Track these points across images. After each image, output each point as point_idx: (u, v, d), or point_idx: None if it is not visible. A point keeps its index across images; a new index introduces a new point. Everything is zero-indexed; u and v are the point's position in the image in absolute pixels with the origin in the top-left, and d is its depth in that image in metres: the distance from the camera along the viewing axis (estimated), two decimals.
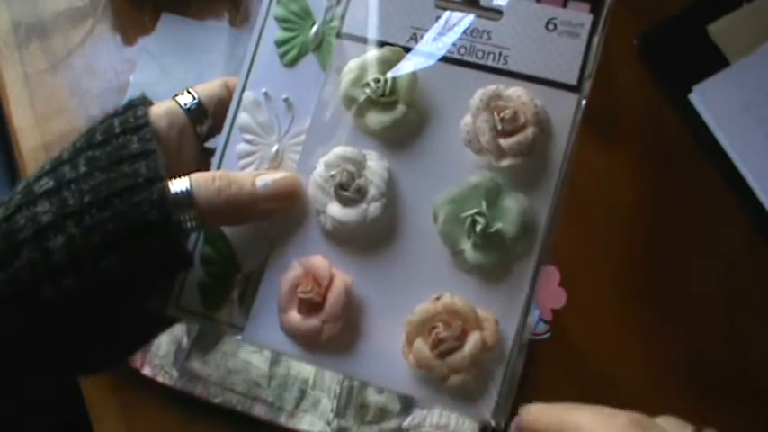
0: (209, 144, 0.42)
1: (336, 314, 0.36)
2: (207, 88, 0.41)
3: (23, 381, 0.36)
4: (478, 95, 0.37)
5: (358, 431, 0.60)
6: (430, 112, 0.38)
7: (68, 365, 0.37)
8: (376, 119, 0.38)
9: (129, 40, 0.75)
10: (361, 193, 0.37)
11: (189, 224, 0.35)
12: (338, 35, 0.39)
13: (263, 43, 0.41)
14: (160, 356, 0.62)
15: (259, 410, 0.61)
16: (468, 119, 0.37)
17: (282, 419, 0.61)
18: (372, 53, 0.38)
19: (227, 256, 0.40)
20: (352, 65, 0.38)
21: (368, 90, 0.37)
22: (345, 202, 0.37)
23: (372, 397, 0.61)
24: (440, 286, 0.37)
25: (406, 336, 0.36)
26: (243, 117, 0.41)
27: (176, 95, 0.40)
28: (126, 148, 0.35)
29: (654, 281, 0.65)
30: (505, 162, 0.36)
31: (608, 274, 0.65)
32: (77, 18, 0.76)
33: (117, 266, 0.33)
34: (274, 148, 0.40)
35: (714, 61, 0.68)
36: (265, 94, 0.41)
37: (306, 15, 0.40)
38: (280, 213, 0.38)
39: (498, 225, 0.36)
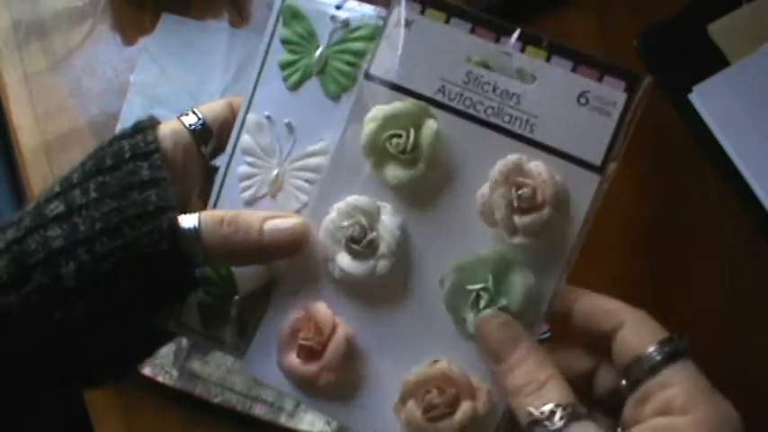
0: (216, 161, 0.42)
1: (334, 365, 0.37)
2: (211, 108, 0.41)
3: (30, 395, 0.36)
4: (498, 167, 0.35)
5: None
6: (450, 172, 0.37)
7: (74, 381, 0.38)
8: (394, 174, 0.37)
9: (129, 40, 0.75)
10: (371, 248, 0.36)
11: (195, 258, 0.36)
12: (366, 76, 0.38)
13: (268, 65, 0.40)
14: (160, 356, 0.62)
15: (259, 410, 0.61)
16: (485, 189, 0.36)
17: (282, 419, 0.61)
18: (397, 104, 0.37)
19: (226, 278, 0.40)
20: (376, 113, 0.37)
21: (389, 145, 0.36)
22: (355, 255, 0.37)
23: None
24: (440, 349, 0.36)
25: (400, 395, 0.36)
26: (245, 139, 0.40)
27: (181, 115, 0.40)
28: (136, 175, 0.36)
29: (654, 281, 0.65)
30: (517, 240, 0.35)
31: (608, 275, 0.65)
32: (77, 18, 0.76)
33: (127, 293, 0.34)
34: (274, 172, 0.40)
35: (714, 61, 0.68)
36: (268, 117, 0.40)
37: (311, 38, 0.40)
38: (286, 258, 0.38)
39: (503, 302, 0.35)
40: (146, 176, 0.36)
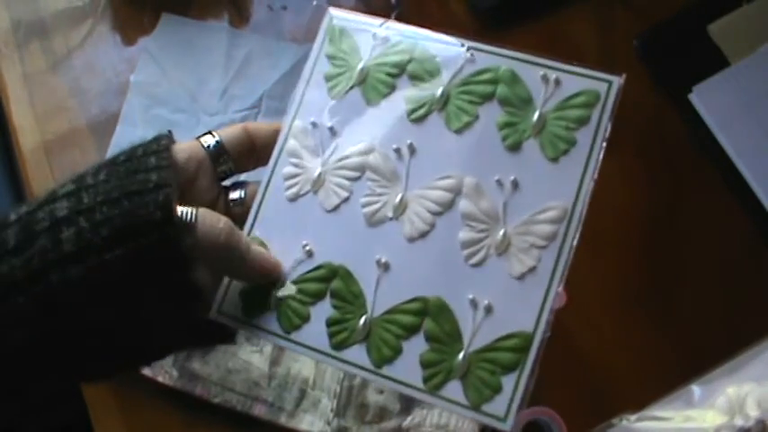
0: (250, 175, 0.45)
1: None
2: (228, 131, 0.44)
3: (32, 374, 0.37)
4: None
5: (358, 431, 0.60)
6: None
7: (80, 365, 0.39)
8: None
9: (129, 40, 0.75)
10: None
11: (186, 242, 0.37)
12: None
13: (314, 77, 0.45)
14: None
15: (259, 410, 0.61)
16: None
17: (282, 419, 0.61)
18: None
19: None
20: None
21: None
22: None
23: (372, 397, 0.61)
24: None
25: None
26: (291, 143, 0.44)
27: (200, 137, 0.43)
28: (143, 164, 0.39)
29: (653, 281, 0.65)
30: None
31: (608, 275, 0.65)
32: (77, 18, 0.76)
33: (120, 260, 0.36)
34: (317, 171, 0.43)
35: (714, 61, 0.68)
36: (313, 123, 0.44)
37: (353, 53, 0.44)
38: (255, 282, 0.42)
39: None
40: (151, 164, 0.38)
